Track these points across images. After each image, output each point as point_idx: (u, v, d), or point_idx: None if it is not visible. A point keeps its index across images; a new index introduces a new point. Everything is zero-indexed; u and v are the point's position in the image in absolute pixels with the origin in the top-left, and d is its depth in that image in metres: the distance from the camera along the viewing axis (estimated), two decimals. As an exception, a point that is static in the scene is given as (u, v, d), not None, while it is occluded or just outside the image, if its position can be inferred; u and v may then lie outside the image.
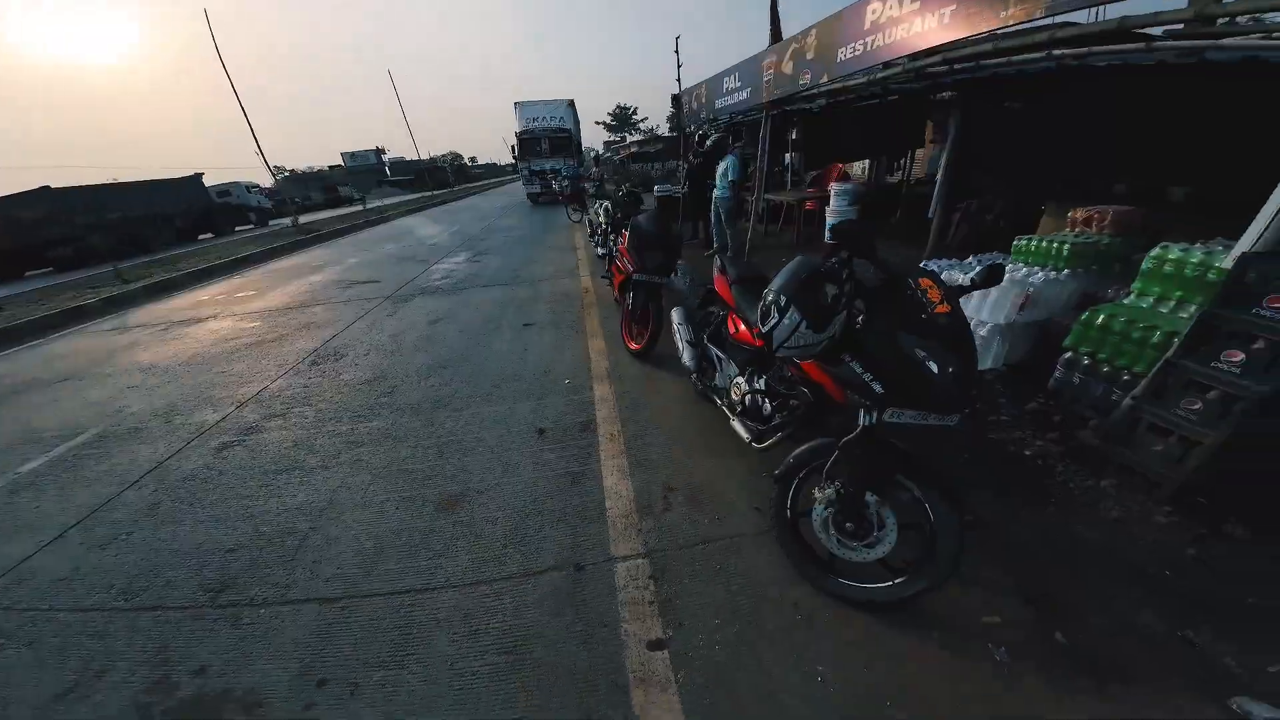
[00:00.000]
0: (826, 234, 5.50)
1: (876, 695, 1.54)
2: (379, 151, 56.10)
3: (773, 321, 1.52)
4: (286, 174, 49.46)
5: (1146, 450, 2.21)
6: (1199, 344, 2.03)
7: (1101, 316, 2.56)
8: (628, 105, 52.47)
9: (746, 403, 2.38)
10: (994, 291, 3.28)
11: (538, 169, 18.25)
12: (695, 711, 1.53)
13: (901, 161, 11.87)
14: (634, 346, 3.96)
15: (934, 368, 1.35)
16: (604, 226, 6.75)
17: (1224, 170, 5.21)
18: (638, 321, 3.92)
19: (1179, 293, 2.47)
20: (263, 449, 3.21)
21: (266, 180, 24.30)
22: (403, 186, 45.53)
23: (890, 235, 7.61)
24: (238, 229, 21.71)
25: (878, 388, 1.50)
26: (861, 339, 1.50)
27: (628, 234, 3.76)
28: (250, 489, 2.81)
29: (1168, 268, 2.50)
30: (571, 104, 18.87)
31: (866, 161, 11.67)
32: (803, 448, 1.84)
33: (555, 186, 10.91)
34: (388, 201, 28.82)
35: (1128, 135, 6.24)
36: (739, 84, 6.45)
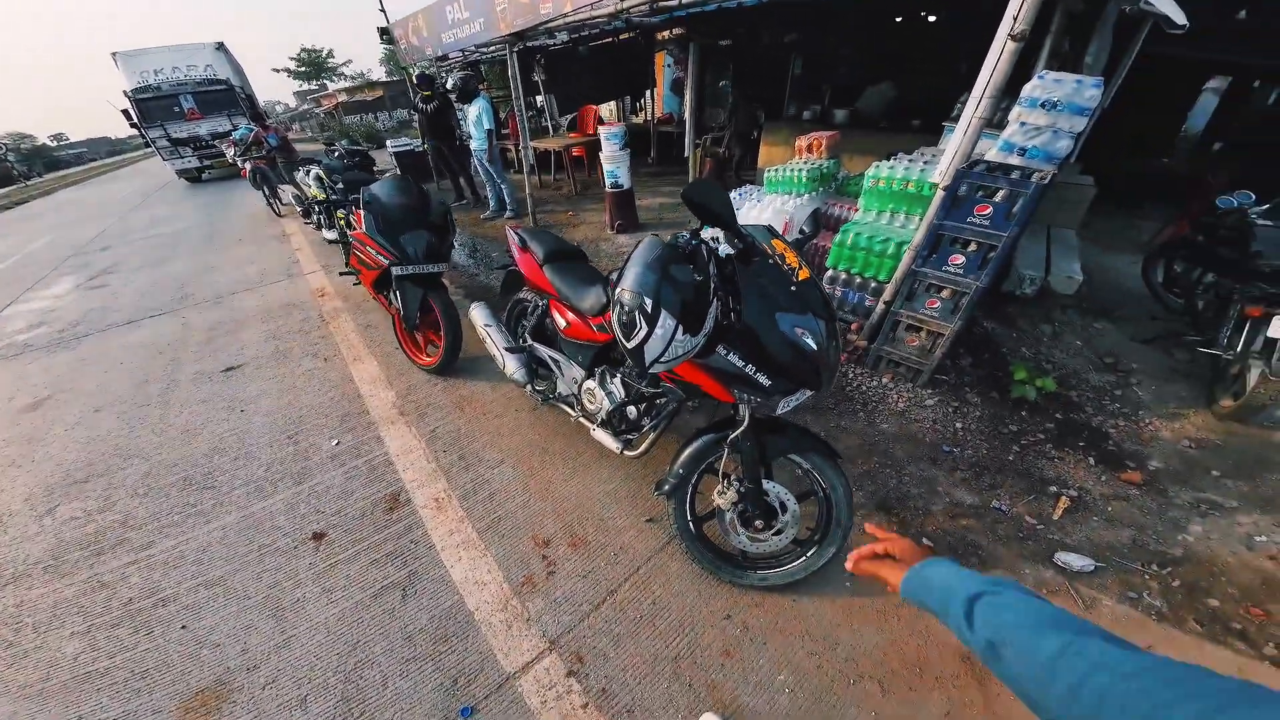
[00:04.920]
0: (605, 180, 5.12)
1: (850, 673, 1.51)
2: None
3: (640, 334, 1.19)
4: None
5: (904, 346, 2.64)
6: (931, 251, 2.37)
7: (849, 236, 2.85)
8: (316, 48, 41.15)
9: (606, 412, 1.89)
10: (760, 218, 3.47)
11: (183, 136, 12.88)
12: None
13: (641, 102, 12.35)
14: (427, 361, 2.95)
15: (813, 344, 1.25)
16: (321, 200, 4.98)
17: (872, 96, 6.77)
18: (419, 328, 2.90)
19: (893, 205, 2.88)
20: None
21: None
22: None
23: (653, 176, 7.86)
24: None
25: (764, 379, 1.32)
26: (733, 326, 1.27)
27: (363, 214, 2.60)
28: None
29: (881, 185, 2.87)
30: (221, 46, 13.59)
31: (613, 104, 11.70)
32: (685, 454, 1.64)
33: (234, 156, 7.42)
34: None
35: (808, 65, 7.57)
36: (466, 14, 5.22)
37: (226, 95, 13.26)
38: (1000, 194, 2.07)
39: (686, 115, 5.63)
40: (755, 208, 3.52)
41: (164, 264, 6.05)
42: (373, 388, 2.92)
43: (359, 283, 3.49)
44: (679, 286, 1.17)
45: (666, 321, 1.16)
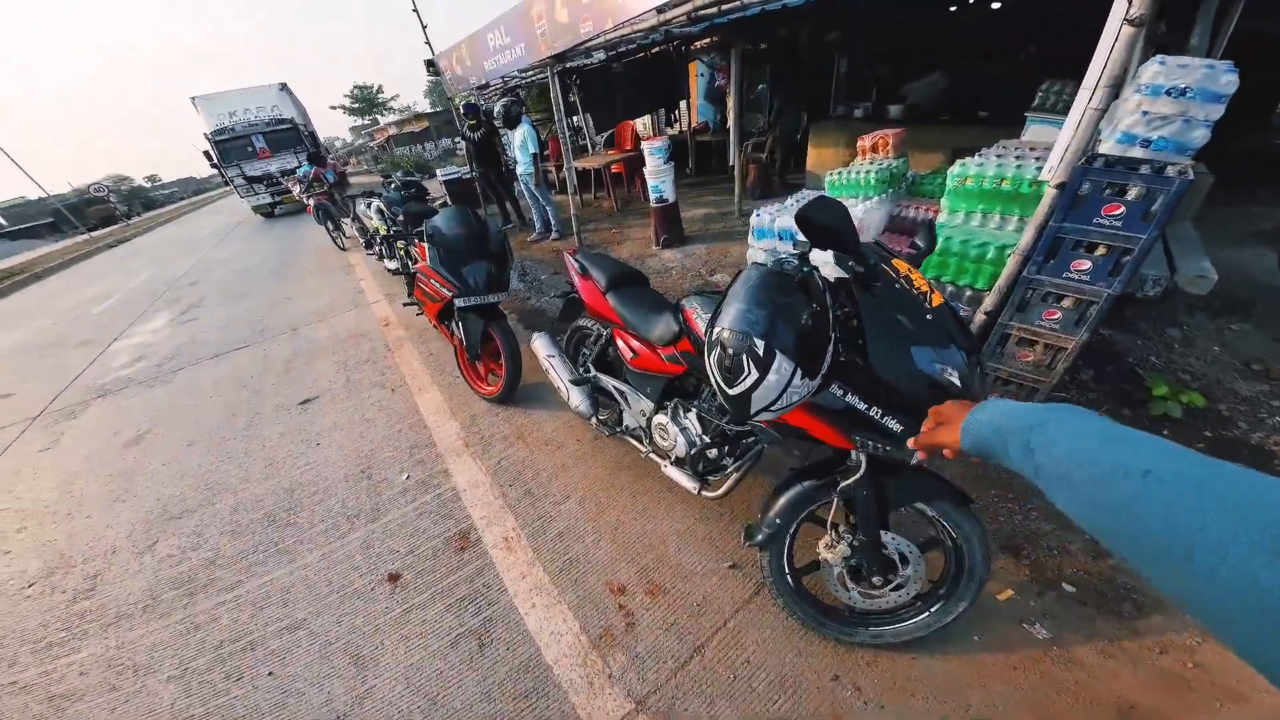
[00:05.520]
0: (650, 196, 5.06)
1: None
2: (-28, 198, 37.14)
3: (749, 379, 1.04)
4: None
5: (1016, 361, 2.35)
6: (1048, 257, 2.10)
7: (940, 239, 2.59)
8: (368, 84, 44.30)
9: (680, 448, 1.76)
10: None
11: (257, 174, 14.01)
12: None
13: (676, 113, 12.33)
14: (488, 391, 2.94)
15: (958, 382, 1.04)
16: (383, 233, 5.19)
17: (922, 89, 6.38)
18: (482, 357, 2.91)
19: (985, 205, 2.60)
20: None
21: None
22: (38, 237, 31.24)
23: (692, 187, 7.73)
24: None
25: (894, 424, 1.12)
26: (854, 364, 1.10)
27: (426, 247, 2.63)
28: None
29: (970, 184, 2.60)
30: (285, 87, 14.75)
31: (647, 117, 11.74)
32: (781, 503, 1.44)
33: (299, 194, 7.94)
34: (13, 261, 19.17)
35: (853, 62, 7.25)
36: (507, 39, 5.35)
37: (292, 134, 14.29)
38: (1133, 192, 1.79)
39: (730, 122, 5.47)
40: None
41: (244, 298, 6.52)
42: (438, 418, 2.94)
43: (422, 313, 3.57)
44: (793, 323, 1.03)
45: (783, 366, 1.01)
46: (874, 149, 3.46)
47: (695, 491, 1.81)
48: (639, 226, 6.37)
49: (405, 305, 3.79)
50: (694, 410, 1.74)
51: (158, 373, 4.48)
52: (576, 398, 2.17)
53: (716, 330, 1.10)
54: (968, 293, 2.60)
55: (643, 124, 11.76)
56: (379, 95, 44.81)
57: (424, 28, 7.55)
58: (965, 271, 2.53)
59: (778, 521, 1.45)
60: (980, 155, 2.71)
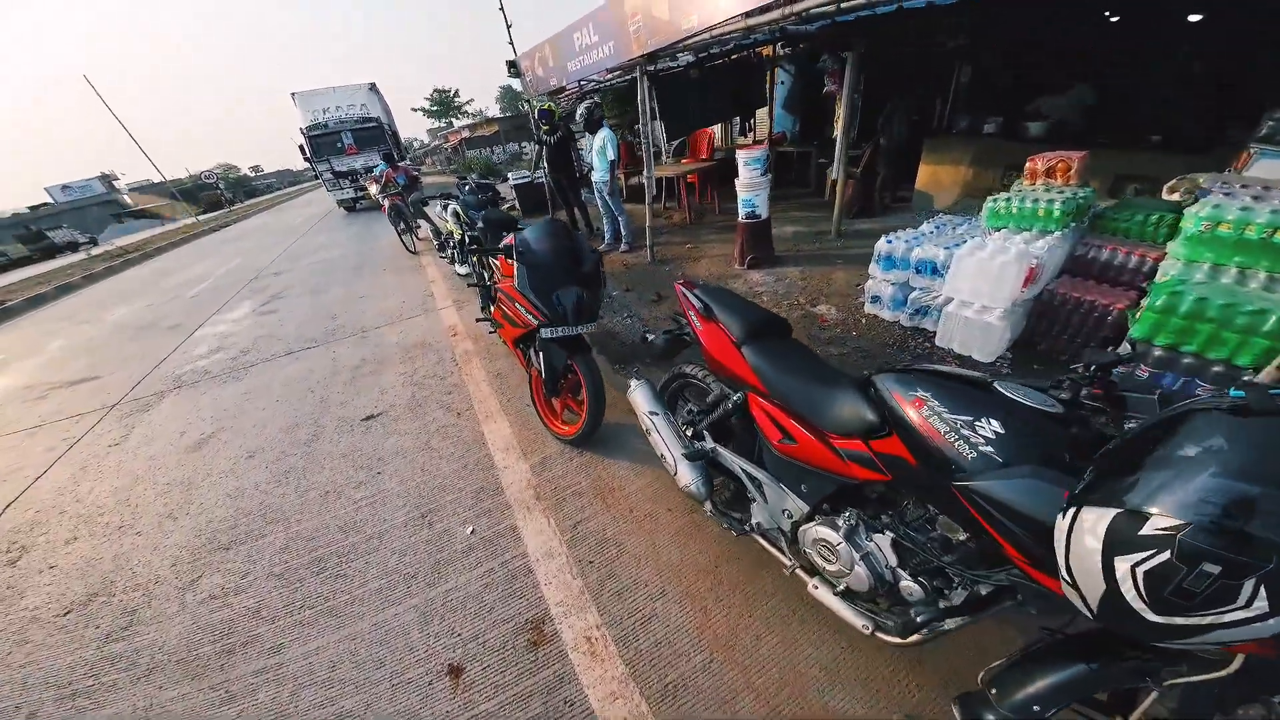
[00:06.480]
0: (740, 210, 4.58)
1: None
2: (108, 179, 42.63)
3: (1231, 614, 0.58)
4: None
5: None
6: None
7: (1183, 299, 1.96)
8: (446, 88, 46.78)
9: (858, 580, 1.28)
10: (995, 265, 2.64)
11: (343, 169, 14.73)
12: None
13: (752, 122, 11.79)
14: (564, 431, 2.57)
15: None
16: (459, 238, 5.02)
17: (1062, 105, 5.53)
18: (560, 393, 2.54)
19: (1241, 259, 1.93)
20: None
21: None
22: (158, 217, 35.01)
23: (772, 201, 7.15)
24: None
25: None
26: None
27: (515, 264, 2.28)
28: None
29: (1227, 230, 1.95)
30: (374, 87, 15.49)
31: (718, 127, 11.28)
32: (1045, 684, 0.94)
33: (376, 194, 8.02)
34: (131, 239, 21.38)
35: (978, 71, 6.46)
36: (595, 38, 5.08)
37: (377, 132, 14.91)
38: None
39: (838, 133, 4.91)
40: (981, 251, 2.69)
41: (322, 291, 6.62)
42: (506, 456, 2.60)
43: (495, 332, 3.27)
44: None
45: (1259, 603, 0.54)
46: (1048, 174, 2.83)
47: (867, 632, 1.32)
48: (716, 242, 5.91)
49: (478, 321, 3.51)
50: (887, 533, 1.24)
51: (232, 366, 4.49)
52: (688, 476, 1.72)
53: (1153, 519, 0.62)
54: (1214, 368, 1.95)
55: (714, 133, 11.34)
56: (455, 99, 47.06)
57: (508, 26, 7.48)
58: (1220, 344, 1.89)
59: (1034, 708, 0.94)
60: (1224, 193, 2.06)
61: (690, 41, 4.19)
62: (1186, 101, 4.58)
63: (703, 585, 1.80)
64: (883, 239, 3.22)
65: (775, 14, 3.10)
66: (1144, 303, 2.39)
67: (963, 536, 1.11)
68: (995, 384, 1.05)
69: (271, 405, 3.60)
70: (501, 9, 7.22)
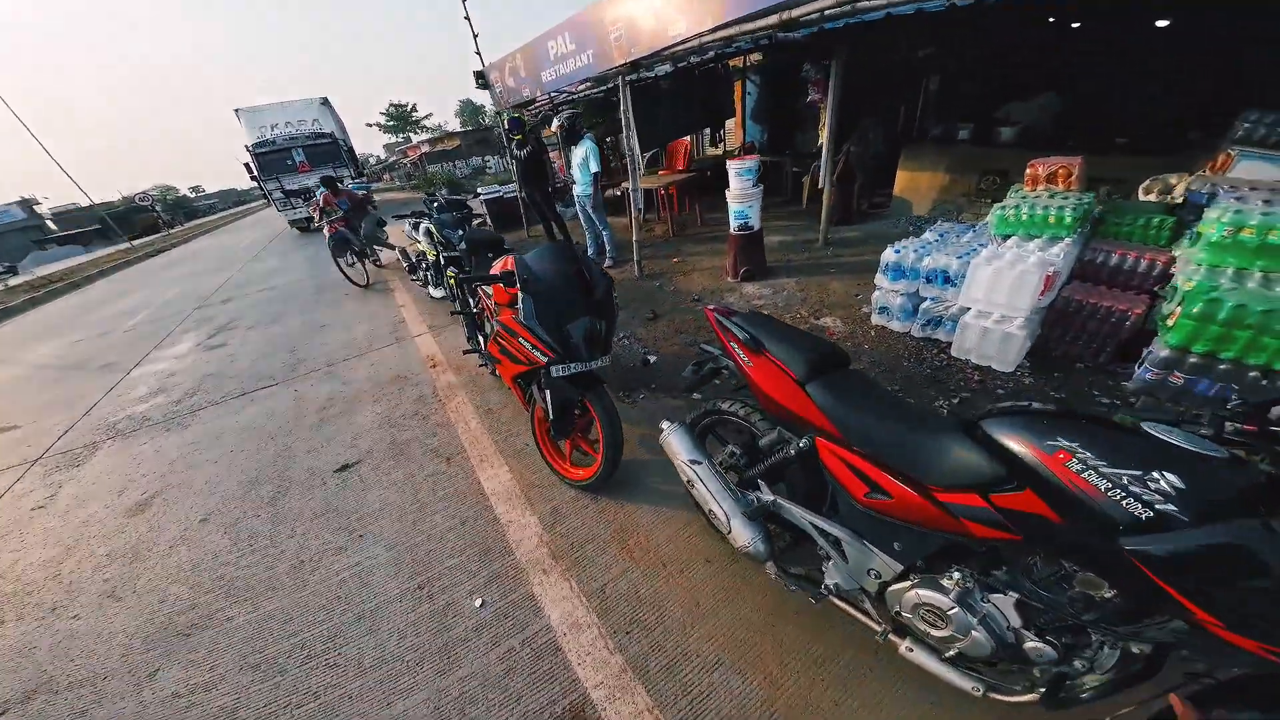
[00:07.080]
0: (732, 222, 4.46)
1: None
2: (28, 204, 39.25)
3: None
4: None
5: None
6: None
7: (1220, 305, 1.91)
8: (403, 102, 45.53)
9: (977, 645, 1.09)
10: (1014, 273, 2.58)
11: (294, 188, 13.96)
12: None
13: (721, 133, 11.87)
14: (575, 475, 2.31)
15: None
16: (433, 259, 4.68)
17: (1030, 111, 5.73)
18: (570, 433, 2.28)
19: (1265, 263, 1.94)
20: None
21: None
22: (84, 243, 32.47)
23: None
24: None
25: None
26: None
27: (520, 294, 2.01)
28: None
29: (1249, 235, 1.94)
30: (326, 102, 14.80)
31: (688, 137, 11.30)
32: None
33: (319, 220, 6.92)
34: (56, 267, 19.56)
35: (946, 80, 6.65)
36: (572, 46, 4.89)
37: (331, 148, 14.27)
38: None
39: (823, 142, 4.89)
40: (999, 259, 2.62)
41: (277, 321, 6.07)
42: (510, 508, 2.31)
43: (486, 366, 2.97)
44: None
45: None
46: (1049, 179, 2.81)
47: (978, 694, 1.14)
48: (703, 255, 5.78)
49: (466, 354, 3.20)
50: (1010, 593, 1.06)
51: (175, 412, 3.96)
52: (746, 535, 1.49)
53: None
54: (1250, 374, 1.90)
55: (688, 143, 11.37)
56: (413, 113, 45.93)
57: (475, 36, 7.18)
58: (1259, 350, 1.84)
59: None
60: (1246, 199, 2.05)
61: (673, 50, 4.06)
62: (1149, 105, 4.80)
63: (762, 648, 1.58)
64: (889, 248, 3.13)
65: (772, 19, 2.99)
66: (1163, 308, 2.36)
67: (1108, 594, 0.95)
68: (1144, 425, 0.90)
69: (225, 456, 3.16)
70: (467, 18, 6.92)
